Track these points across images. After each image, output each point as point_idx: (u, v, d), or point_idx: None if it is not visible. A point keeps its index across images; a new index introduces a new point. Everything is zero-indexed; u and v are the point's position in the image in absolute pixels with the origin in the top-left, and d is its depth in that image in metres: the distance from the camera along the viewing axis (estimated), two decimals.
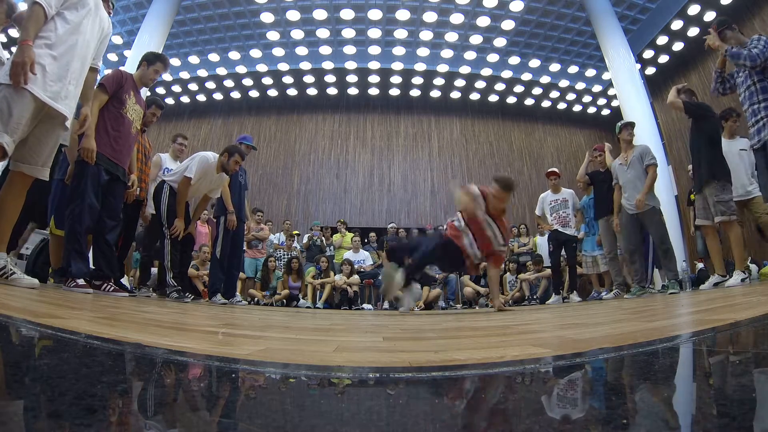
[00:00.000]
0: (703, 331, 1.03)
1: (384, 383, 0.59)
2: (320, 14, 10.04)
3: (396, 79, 12.03)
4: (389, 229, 7.78)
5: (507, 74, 11.84)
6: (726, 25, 3.34)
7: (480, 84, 12.21)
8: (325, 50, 11.12)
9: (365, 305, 6.43)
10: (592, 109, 12.99)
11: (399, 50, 11.08)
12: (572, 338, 1.08)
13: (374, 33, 10.60)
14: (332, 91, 12.44)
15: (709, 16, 9.09)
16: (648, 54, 10.55)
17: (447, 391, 0.58)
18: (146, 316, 1.53)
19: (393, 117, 12.71)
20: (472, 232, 3.45)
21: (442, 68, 11.63)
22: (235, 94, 12.56)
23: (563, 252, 5.55)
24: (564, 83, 12.11)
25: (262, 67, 11.65)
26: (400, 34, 10.62)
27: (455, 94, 12.61)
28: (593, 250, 5.66)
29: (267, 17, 10.19)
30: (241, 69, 11.70)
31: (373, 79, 12.00)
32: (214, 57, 11.36)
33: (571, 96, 12.59)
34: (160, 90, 12.06)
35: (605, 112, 12.86)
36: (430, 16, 10.13)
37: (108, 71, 3.45)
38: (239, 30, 10.68)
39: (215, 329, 1.30)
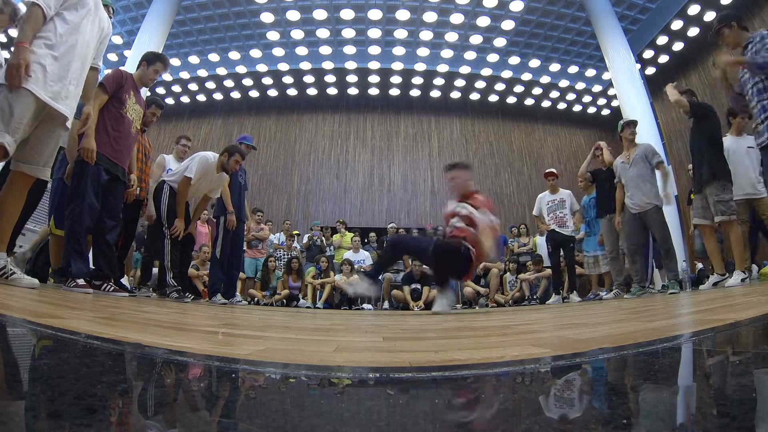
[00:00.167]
0: (703, 331, 1.03)
1: (384, 383, 0.59)
2: (320, 14, 10.05)
3: (396, 79, 12.03)
4: (389, 229, 7.78)
5: (507, 74, 11.84)
6: (725, 22, 3.29)
7: (480, 84, 12.21)
8: (325, 50, 11.12)
9: (365, 305, 6.43)
10: (592, 109, 13.00)
11: (399, 50, 11.08)
12: (572, 338, 1.08)
13: (374, 33, 10.61)
14: (332, 91, 12.44)
15: (709, 16, 9.09)
16: (648, 54, 10.55)
17: (447, 391, 0.58)
18: (146, 316, 1.53)
19: (393, 117, 12.72)
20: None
21: (442, 68, 11.64)
22: (235, 94, 12.56)
23: (562, 252, 5.55)
24: (564, 83, 12.12)
25: (262, 67, 11.66)
26: (400, 34, 10.62)
27: (455, 94, 12.62)
28: (594, 250, 5.66)
29: (267, 17, 10.19)
30: (241, 69, 11.70)
31: (373, 79, 12.01)
32: (214, 57, 11.37)
33: (571, 96, 12.60)
34: (160, 90, 12.07)
35: (605, 112, 12.87)
36: (430, 16, 10.13)
37: (108, 71, 3.44)
38: (239, 30, 10.68)
39: (215, 329, 1.30)
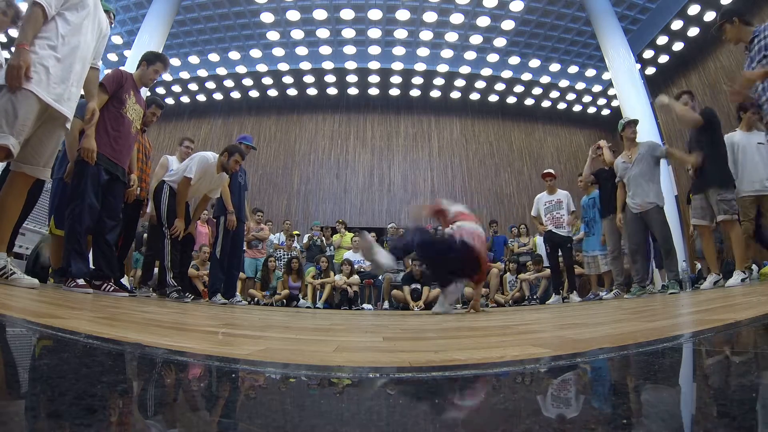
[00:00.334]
0: (703, 331, 1.03)
1: (384, 383, 0.59)
2: (320, 14, 10.05)
3: (396, 79, 12.03)
4: (389, 229, 7.77)
5: (507, 74, 11.84)
6: (727, 18, 3.25)
7: (480, 84, 12.21)
8: (325, 50, 11.12)
9: (365, 305, 6.43)
10: (592, 109, 13.00)
11: (399, 50, 11.08)
12: (572, 338, 1.08)
13: (374, 33, 10.61)
14: (332, 91, 12.44)
15: (709, 16, 9.09)
16: (648, 54, 10.55)
17: (447, 391, 0.58)
18: (146, 316, 1.53)
19: (393, 117, 12.72)
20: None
21: (442, 68, 11.64)
22: (235, 94, 12.56)
23: (560, 252, 5.56)
24: (564, 83, 12.12)
25: (262, 67, 11.66)
26: (400, 34, 10.62)
27: (455, 94, 12.61)
28: (593, 250, 5.66)
29: (267, 17, 10.19)
30: (241, 69, 11.70)
31: (373, 79, 12.01)
32: (214, 57, 11.37)
33: (571, 96, 12.60)
34: (160, 90, 12.07)
35: (605, 112, 12.86)
36: (430, 16, 10.13)
37: (108, 71, 3.44)
38: (239, 30, 10.68)
39: (215, 329, 1.30)
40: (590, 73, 11.82)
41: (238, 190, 4.57)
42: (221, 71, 11.74)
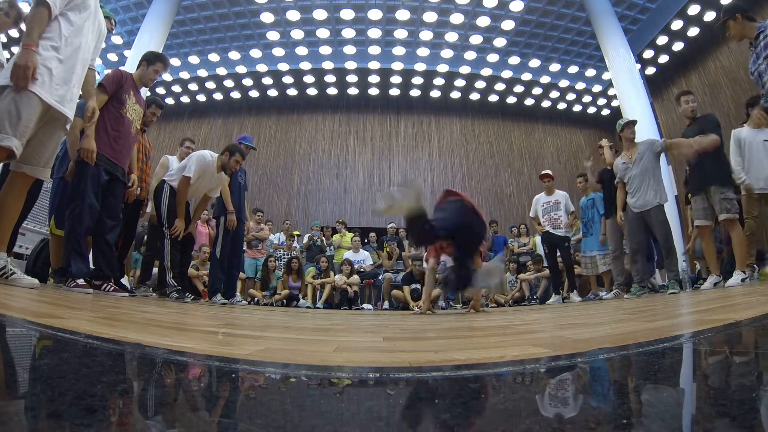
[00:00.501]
0: (703, 331, 1.03)
1: (384, 383, 0.59)
2: (320, 14, 10.05)
3: (396, 79, 12.03)
4: (389, 229, 7.77)
5: (507, 74, 11.84)
6: (730, 14, 3.19)
7: (480, 84, 12.21)
8: (325, 50, 11.12)
9: (365, 305, 6.43)
10: (592, 109, 13.00)
11: (399, 50, 11.08)
12: (572, 338, 1.08)
13: (374, 33, 10.61)
14: (332, 91, 12.44)
15: (709, 16, 9.09)
16: (648, 54, 10.55)
17: (447, 391, 0.58)
18: (146, 316, 1.53)
19: (393, 117, 12.72)
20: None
21: (442, 68, 11.63)
22: (235, 94, 12.56)
23: (558, 253, 5.56)
24: (564, 83, 12.11)
25: (262, 67, 11.65)
26: (400, 34, 10.62)
27: (455, 94, 12.61)
28: (591, 250, 5.66)
29: (267, 17, 10.19)
30: (241, 69, 11.70)
31: (373, 79, 12.01)
32: (214, 57, 11.37)
33: (571, 96, 12.59)
34: (160, 90, 12.07)
35: (605, 112, 12.86)
36: (430, 16, 10.13)
37: (108, 71, 3.44)
38: (239, 30, 10.68)
39: (215, 329, 1.30)
40: (590, 73, 11.82)
41: (238, 190, 4.57)
42: (221, 71, 11.74)
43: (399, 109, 12.73)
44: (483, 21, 10.23)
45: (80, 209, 2.81)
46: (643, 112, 8.71)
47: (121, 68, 3.56)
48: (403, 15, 10.04)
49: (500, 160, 12.45)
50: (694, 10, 9.18)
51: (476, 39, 10.81)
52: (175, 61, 11.18)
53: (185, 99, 12.58)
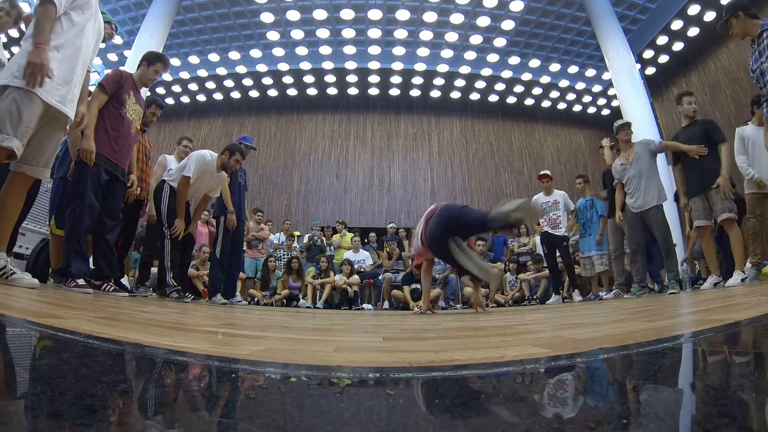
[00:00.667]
0: (703, 331, 1.03)
1: (384, 383, 0.59)
2: (320, 14, 10.05)
3: (396, 79, 12.03)
4: (389, 229, 7.77)
5: (507, 74, 11.84)
6: (732, 12, 3.17)
7: (480, 84, 12.22)
8: (325, 50, 11.12)
9: (365, 305, 6.43)
10: (592, 109, 13.00)
11: (399, 50, 11.08)
12: (572, 338, 1.08)
13: (374, 33, 10.61)
14: (332, 91, 12.44)
15: (709, 16, 9.09)
16: (648, 54, 10.55)
17: (447, 391, 0.58)
18: (146, 316, 1.53)
19: (393, 117, 12.72)
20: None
21: (442, 68, 11.64)
22: (235, 94, 12.57)
23: (558, 253, 5.56)
24: (564, 83, 12.12)
25: (262, 67, 11.66)
26: (400, 34, 10.62)
27: (455, 94, 12.62)
28: (589, 250, 5.66)
29: (267, 17, 10.19)
30: (241, 69, 11.71)
31: (373, 79, 12.01)
32: (214, 57, 11.37)
33: (571, 96, 12.60)
34: (160, 90, 12.07)
35: (605, 112, 12.87)
36: (430, 16, 10.13)
37: (108, 71, 3.44)
38: (239, 30, 10.68)
39: (215, 329, 1.30)
40: (590, 73, 11.82)
41: (238, 190, 4.57)
42: (221, 71, 11.74)
43: (399, 109, 12.73)
44: (483, 21, 10.23)
45: (80, 209, 2.81)
46: (643, 112, 8.72)
47: (121, 68, 3.56)
48: (403, 15, 10.05)
49: (500, 160, 12.45)
50: (694, 10, 9.19)
51: (476, 39, 10.82)
52: (175, 61, 11.18)
53: (185, 99, 12.58)
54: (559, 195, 5.66)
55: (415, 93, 12.53)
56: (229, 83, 12.18)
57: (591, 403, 0.51)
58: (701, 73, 9.82)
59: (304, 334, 1.35)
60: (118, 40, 10.36)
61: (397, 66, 11.54)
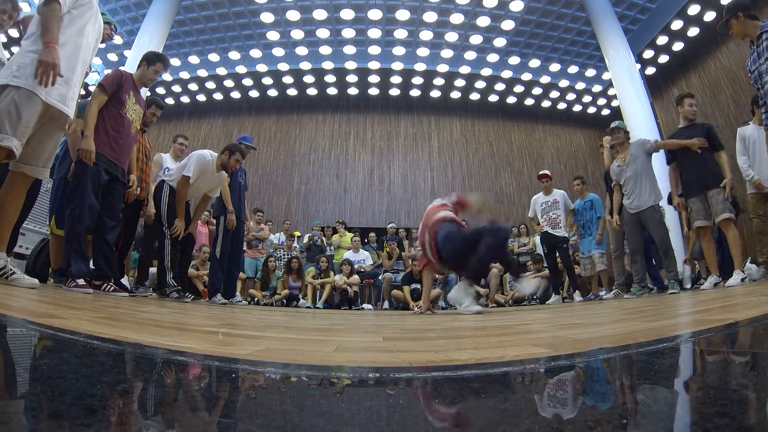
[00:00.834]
0: (703, 331, 1.03)
1: (384, 383, 0.59)
2: (320, 14, 10.05)
3: (396, 79, 12.03)
4: (389, 229, 7.77)
5: (507, 74, 11.84)
6: (731, 14, 3.19)
7: (480, 84, 12.21)
8: (325, 50, 11.12)
9: (365, 305, 6.43)
10: (592, 109, 13.00)
11: (399, 50, 11.08)
12: (572, 338, 1.08)
13: (374, 33, 10.61)
14: (332, 91, 12.44)
15: (709, 16, 9.09)
16: (648, 54, 10.55)
17: (447, 391, 0.58)
18: (146, 316, 1.53)
19: (393, 117, 12.72)
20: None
21: (442, 68, 11.63)
22: (235, 94, 12.56)
23: (558, 253, 5.56)
24: (564, 83, 12.12)
25: (262, 67, 11.66)
26: (400, 34, 10.62)
27: (455, 94, 12.61)
28: (589, 250, 5.66)
29: (267, 17, 10.19)
30: (241, 69, 11.70)
31: (373, 79, 12.01)
32: (214, 57, 11.37)
33: (571, 96, 12.59)
34: (160, 90, 12.07)
35: (605, 112, 12.86)
36: (430, 16, 10.13)
37: (108, 71, 3.44)
38: (239, 30, 10.68)
39: (215, 329, 1.30)
40: (590, 73, 11.82)
41: (238, 189, 4.57)
42: (221, 71, 11.74)
43: (399, 109, 12.73)
44: (483, 21, 10.23)
45: (80, 209, 2.81)
46: (643, 112, 8.72)
47: (121, 68, 3.55)
48: (403, 15, 10.04)
49: (500, 160, 12.45)
50: (694, 10, 9.19)
51: (476, 39, 10.81)
52: (175, 61, 11.18)
53: (185, 99, 12.58)
54: (559, 195, 5.66)
55: (415, 93, 12.52)
56: (229, 83, 12.18)
57: (591, 403, 0.51)
58: (701, 73, 9.82)
59: (304, 334, 1.35)
60: (118, 40, 10.35)
61: (397, 66, 11.54)
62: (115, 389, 0.48)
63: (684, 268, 5.76)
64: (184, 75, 11.84)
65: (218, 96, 12.59)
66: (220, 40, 10.99)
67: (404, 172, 12.18)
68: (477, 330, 1.55)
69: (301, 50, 11.13)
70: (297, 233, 8.39)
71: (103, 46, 2.76)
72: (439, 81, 12.12)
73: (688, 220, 4.26)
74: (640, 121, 8.56)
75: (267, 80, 12.08)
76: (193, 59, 11.48)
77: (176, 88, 12.24)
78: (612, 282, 5.39)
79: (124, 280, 4.32)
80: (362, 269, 6.84)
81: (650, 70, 10.94)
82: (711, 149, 3.92)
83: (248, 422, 0.42)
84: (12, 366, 0.61)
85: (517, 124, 12.91)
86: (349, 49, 11.10)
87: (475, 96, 12.63)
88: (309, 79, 12.03)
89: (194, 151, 4.00)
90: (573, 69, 11.77)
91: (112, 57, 10.84)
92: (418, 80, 12.08)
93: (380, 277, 6.64)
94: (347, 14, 10.02)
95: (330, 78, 12.00)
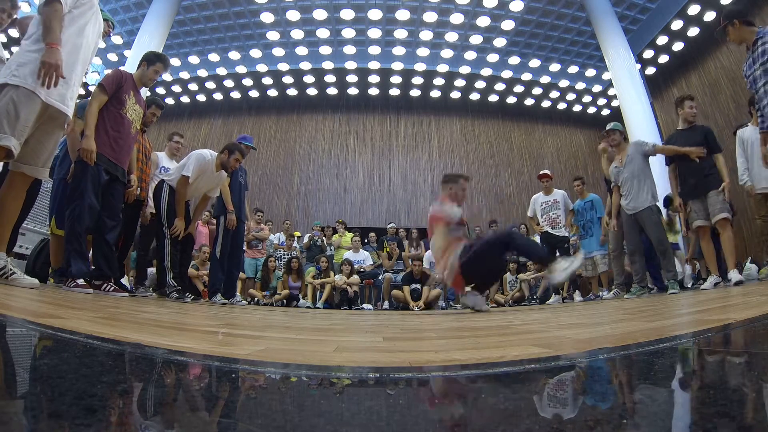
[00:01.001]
0: (703, 331, 1.03)
1: (384, 383, 0.59)
2: (320, 14, 10.05)
3: (396, 79, 12.03)
4: (389, 229, 7.77)
5: (507, 74, 11.84)
6: (728, 21, 3.26)
7: (480, 84, 12.22)
8: (325, 50, 11.12)
9: (365, 305, 6.43)
10: (592, 109, 13.00)
11: (399, 50, 11.08)
12: (572, 338, 1.08)
13: (374, 33, 10.61)
14: (332, 91, 12.44)
15: (709, 16, 9.09)
16: (648, 54, 10.55)
17: (447, 391, 0.58)
18: (146, 316, 1.53)
19: (393, 117, 12.72)
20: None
21: (442, 68, 11.64)
22: (235, 94, 12.57)
23: (558, 254, 5.55)
24: (564, 83, 12.12)
25: (262, 67, 11.66)
26: (400, 34, 10.62)
27: (455, 94, 12.62)
28: (591, 251, 5.66)
29: (267, 17, 10.19)
30: (241, 69, 11.71)
31: (373, 79, 12.01)
32: (214, 57, 11.37)
33: (571, 96, 12.60)
34: (160, 90, 12.07)
35: (605, 112, 12.87)
36: (430, 16, 10.14)
37: (108, 71, 3.44)
38: (239, 30, 10.68)
39: (215, 329, 1.30)
40: (590, 73, 11.82)
41: (239, 189, 4.57)
42: (221, 71, 11.74)
43: (399, 109, 12.73)
44: (483, 21, 10.23)
45: (80, 209, 2.81)
46: (643, 112, 8.72)
47: (121, 68, 3.55)
48: (403, 15, 10.04)
49: (500, 160, 12.45)
50: (694, 10, 9.19)
51: (476, 39, 10.82)
52: (175, 61, 11.18)
53: (185, 99, 12.58)
54: (559, 194, 5.66)
55: (415, 93, 12.53)
56: (229, 83, 12.18)
57: (591, 403, 0.51)
58: (701, 73, 9.82)
59: (304, 334, 1.35)
60: (118, 40, 10.36)
61: (397, 66, 11.54)
62: (115, 389, 0.48)
63: (685, 269, 5.76)
64: (184, 75, 11.85)
65: (218, 96, 12.59)
66: (220, 40, 11.00)
67: (404, 172, 12.18)
68: (477, 330, 1.55)
69: (301, 50, 11.14)
70: (297, 233, 8.39)
71: (102, 45, 2.76)
72: (439, 81, 12.12)
73: (686, 221, 4.27)
74: (640, 121, 8.56)
75: (267, 80, 12.08)
76: (193, 59, 11.48)
77: (176, 88, 12.24)
78: (612, 282, 5.39)
79: (124, 280, 4.32)
80: (362, 269, 6.84)
81: (650, 70, 10.94)
82: (709, 152, 3.96)
83: (248, 422, 0.42)
84: (12, 366, 0.61)
85: (517, 124, 12.92)
86: (349, 49, 11.11)
87: (475, 96, 12.64)
88: (309, 79, 12.03)
89: (194, 151, 4.00)
90: (573, 69, 11.77)
91: (112, 57, 10.84)
92: (418, 80, 12.09)
93: (380, 277, 6.64)
94: (347, 14, 10.02)
95: (330, 78, 12.01)
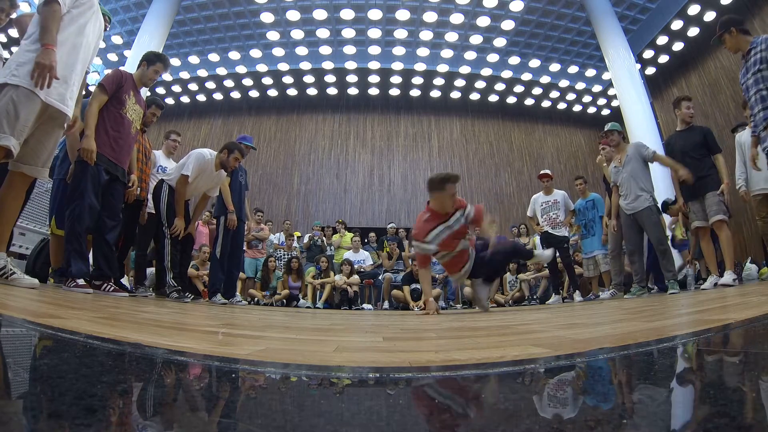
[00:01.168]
0: (703, 331, 1.03)
1: (384, 383, 0.59)
2: (320, 14, 10.05)
3: (396, 79, 12.03)
4: (389, 229, 7.77)
5: (507, 74, 11.84)
6: (725, 29, 3.31)
7: (480, 84, 12.21)
8: (325, 50, 11.12)
9: (365, 305, 6.43)
10: (592, 109, 13.00)
11: (399, 50, 11.08)
12: (572, 338, 1.08)
13: (374, 33, 10.61)
14: (332, 91, 12.44)
15: (709, 16, 9.09)
16: (648, 54, 10.55)
17: (447, 391, 0.58)
18: (146, 316, 1.53)
19: (393, 117, 12.72)
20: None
21: (442, 68, 11.64)
22: (235, 94, 12.56)
23: (558, 253, 5.55)
24: (564, 83, 12.12)
25: (262, 67, 11.66)
26: (400, 34, 10.62)
27: (455, 94, 12.62)
28: (592, 251, 5.65)
29: (267, 17, 10.19)
30: (241, 69, 11.70)
31: (373, 79, 12.01)
32: (214, 57, 11.37)
33: (571, 96, 12.60)
34: (160, 90, 12.07)
35: (605, 112, 12.87)
36: (430, 16, 10.13)
37: (108, 71, 3.44)
38: (239, 30, 10.68)
39: (215, 329, 1.30)
40: (590, 73, 11.82)
41: (239, 189, 4.57)
42: (221, 71, 11.74)
43: (399, 109, 12.73)
44: (483, 21, 10.23)
45: (80, 209, 2.81)
46: (643, 112, 8.71)
47: (121, 68, 3.55)
48: (403, 15, 10.04)
49: (500, 160, 12.45)
50: (694, 10, 9.19)
51: (476, 39, 10.81)
52: (175, 61, 11.18)
53: (185, 99, 12.58)
54: (559, 195, 5.66)
55: (415, 93, 12.52)
56: (229, 83, 12.18)
57: (591, 403, 0.51)
58: (701, 73, 9.82)
59: (304, 334, 1.35)
60: (118, 40, 10.36)
61: (397, 66, 11.54)
62: (115, 389, 0.48)
63: (687, 269, 5.76)
64: (184, 75, 11.84)
65: (218, 96, 12.59)
66: (220, 40, 10.99)
67: (404, 172, 12.18)
68: (477, 330, 1.55)
69: (301, 50, 11.13)
70: (297, 233, 8.39)
71: (103, 45, 2.75)
72: (439, 81, 12.12)
73: (687, 220, 4.30)
74: (640, 121, 8.56)
75: (267, 80, 12.08)
76: (193, 59, 11.48)
77: (176, 88, 12.24)
78: (611, 282, 5.39)
79: (124, 280, 4.32)
80: (362, 269, 6.84)
81: (650, 70, 10.94)
82: (709, 154, 3.97)
83: (248, 422, 0.42)
84: (12, 366, 0.61)
85: (517, 124, 12.92)
86: (349, 49, 11.11)
87: (475, 96, 12.63)
88: (309, 79, 12.03)
89: (193, 150, 4.00)
90: (573, 69, 11.77)
91: (112, 57, 10.84)
92: (418, 80, 12.09)
93: (380, 277, 6.64)
94: (347, 14, 10.02)
95: (330, 78, 12.01)
